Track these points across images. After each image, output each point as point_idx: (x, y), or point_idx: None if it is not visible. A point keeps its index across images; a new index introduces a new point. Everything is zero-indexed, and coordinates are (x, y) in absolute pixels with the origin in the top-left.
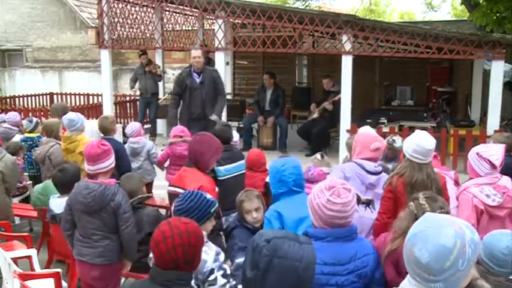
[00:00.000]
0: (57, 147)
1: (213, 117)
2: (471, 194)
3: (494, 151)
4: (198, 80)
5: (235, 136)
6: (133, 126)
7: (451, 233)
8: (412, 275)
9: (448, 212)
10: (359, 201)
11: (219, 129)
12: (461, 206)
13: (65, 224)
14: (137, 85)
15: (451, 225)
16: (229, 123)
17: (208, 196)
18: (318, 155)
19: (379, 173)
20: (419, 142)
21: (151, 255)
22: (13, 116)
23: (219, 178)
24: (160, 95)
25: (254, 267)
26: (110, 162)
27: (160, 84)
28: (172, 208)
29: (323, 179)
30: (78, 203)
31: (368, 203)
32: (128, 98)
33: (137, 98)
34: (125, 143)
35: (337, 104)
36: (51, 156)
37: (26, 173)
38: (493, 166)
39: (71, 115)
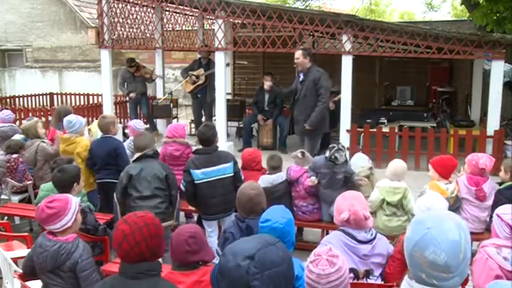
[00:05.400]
0: (43, 144)
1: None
2: (487, 254)
3: None
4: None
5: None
6: (140, 121)
7: (452, 226)
8: (423, 280)
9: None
10: (356, 275)
11: (199, 130)
12: (476, 265)
13: (25, 268)
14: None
15: (447, 219)
16: (229, 123)
17: None
18: (298, 153)
19: (373, 239)
20: (430, 206)
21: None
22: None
23: (195, 182)
24: (160, 95)
25: None
26: (64, 222)
27: (160, 84)
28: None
29: (299, 175)
30: (34, 260)
31: (368, 275)
32: (128, 98)
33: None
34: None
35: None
36: (40, 154)
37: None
38: None
39: (70, 117)
